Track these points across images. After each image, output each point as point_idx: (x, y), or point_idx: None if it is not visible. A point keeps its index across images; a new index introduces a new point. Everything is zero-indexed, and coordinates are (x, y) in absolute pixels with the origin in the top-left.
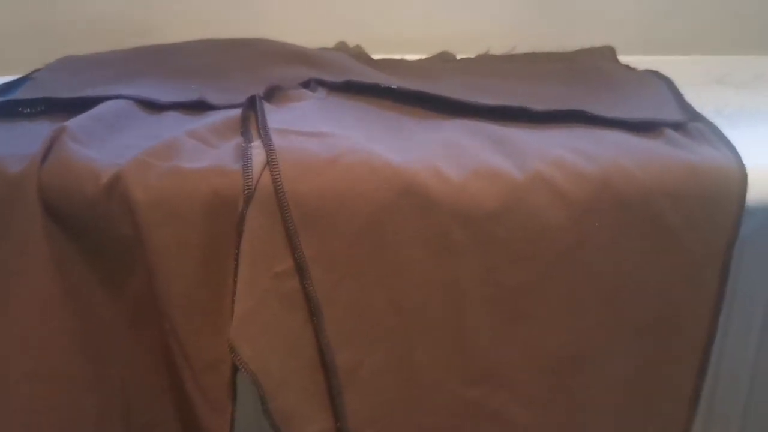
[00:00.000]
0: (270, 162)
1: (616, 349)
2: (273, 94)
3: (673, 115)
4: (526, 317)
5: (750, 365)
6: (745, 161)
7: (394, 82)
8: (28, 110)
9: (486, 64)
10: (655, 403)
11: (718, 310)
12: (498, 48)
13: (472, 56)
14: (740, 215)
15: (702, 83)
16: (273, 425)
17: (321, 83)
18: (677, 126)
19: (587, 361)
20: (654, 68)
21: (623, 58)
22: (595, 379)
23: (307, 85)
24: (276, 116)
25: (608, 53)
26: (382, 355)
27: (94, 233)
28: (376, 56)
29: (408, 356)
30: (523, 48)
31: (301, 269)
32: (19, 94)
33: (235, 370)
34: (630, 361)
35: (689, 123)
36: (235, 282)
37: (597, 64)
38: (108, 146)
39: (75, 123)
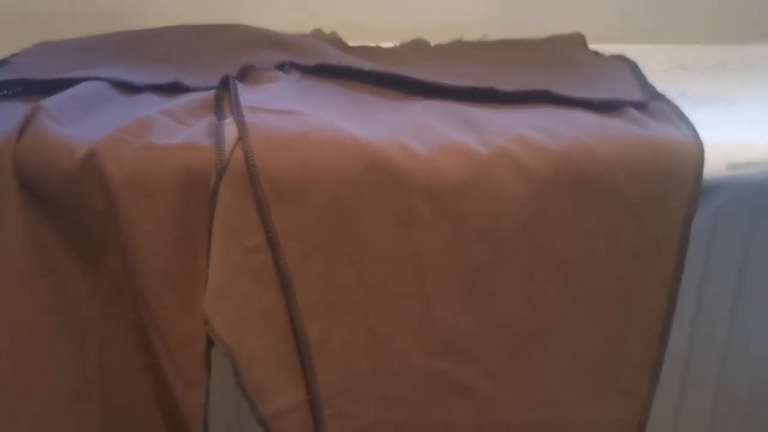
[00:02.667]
0: (242, 138)
1: (578, 322)
2: (247, 74)
3: (636, 95)
4: (488, 290)
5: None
6: (702, 138)
7: (366, 64)
8: (5, 92)
9: (458, 50)
10: (618, 374)
11: (677, 282)
12: (471, 36)
13: (446, 43)
14: (697, 189)
15: (667, 69)
16: (247, 397)
17: (295, 66)
18: (639, 105)
19: (550, 333)
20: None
21: (595, 47)
22: (558, 351)
23: (281, 68)
24: (249, 95)
25: (577, 40)
26: (350, 328)
27: (69, 209)
28: (351, 44)
29: (375, 328)
30: (495, 36)
31: (272, 243)
32: None
33: (209, 345)
34: (591, 333)
35: (651, 102)
36: (208, 256)
37: (565, 50)
38: (83, 125)
39: (51, 102)
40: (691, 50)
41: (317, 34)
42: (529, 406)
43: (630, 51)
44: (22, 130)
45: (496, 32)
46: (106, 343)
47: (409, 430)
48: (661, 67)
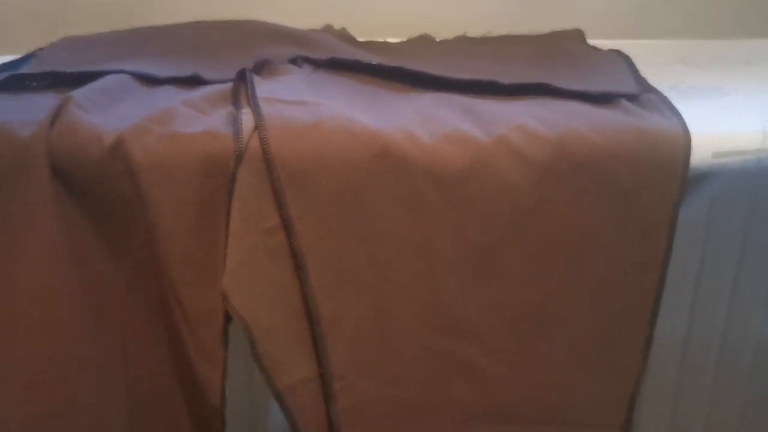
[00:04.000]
0: (258, 127)
1: (576, 303)
2: (262, 68)
3: (629, 87)
4: (491, 272)
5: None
6: (691, 128)
7: (375, 59)
8: (35, 84)
9: (462, 45)
10: (612, 353)
11: (666, 264)
12: (475, 32)
13: (450, 39)
14: (685, 176)
15: (664, 63)
16: (262, 370)
17: (307, 60)
18: (632, 97)
19: (551, 314)
20: (622, 50)
21: (594, 42)
22: (559, 332)
23: (294, 61)
24: (264, 87)
25: (576, 35)
26: (360, 307)
27: (97, 193)
28: (360, 39)
29: (384, 308)
30: (498, 32)
31: (287, 225)
32: (25, 70)
33: (227, 321)
34: (591, 314)
35: (643, 94)
36: (226, 237)
37: (564, 44)
38: (110, 114)
39: (80, 93)
40: (689, 45)
41: (328, 29)
42: (531, 385)
43: (629, 46)
44: (54, 120)
45: (499, 28)
46: (128, 319)
47: (415, 405)
48: (659, 61)
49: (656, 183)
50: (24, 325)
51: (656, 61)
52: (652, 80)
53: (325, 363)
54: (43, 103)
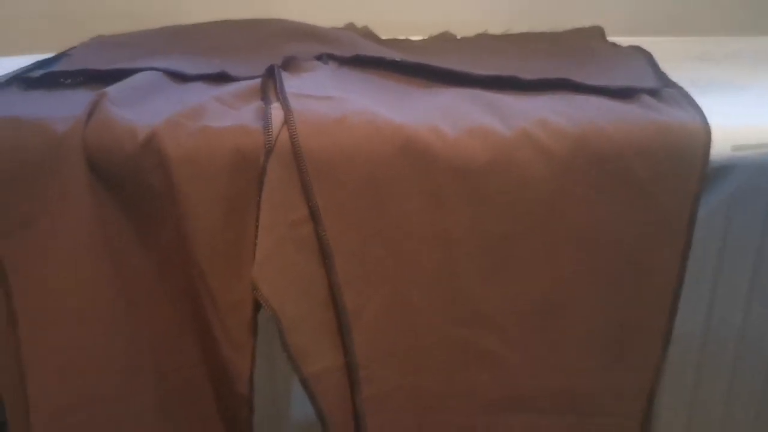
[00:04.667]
0: (287, 121)
1: (594, 294)
2: (289, 64)
3: (649, 82)
4: (511, 263)
5: (741, 311)
6: (710, 122)
7: (398, 55)
8: (69, 81)
9: (483, 42)
10: (630, 344)
11: (686, 256)
12: (495, 30)
13: (471, 36)
14: (705, 170)
15: (683, 59)
16: (290, 358)
17: (332, 57)
18: (652, 92)
19: (567, 305)
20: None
21: (614, 39)
22: (576, 322)
23: (319, 58)
24: (292, 83)
25: (597, 32)
26: (383, 298)
27: (130, 186)
28: (382, 37)
29: (405, 299)
30: (518, 30)
31: (314, 217)
32: (58, 68)
33: (255, 310)
34: (607, 305)
35: (663, 89)
36: (256, 229)
37: (585, 41)
38: (142, 110)
39: (113, 89)
40: (707, 42)
41: (350, 27)
42: (548, 373)
43: (649, 43)
44: (89, 115)
45: (519, 26)
46: (158, 310)
47: (436, 394)
48: (677, 57)
49: (676, 176)
50: (57, 315)
51: (675, 58)
52: (672, 76)
53: (349, 352)
54: (78, 100)
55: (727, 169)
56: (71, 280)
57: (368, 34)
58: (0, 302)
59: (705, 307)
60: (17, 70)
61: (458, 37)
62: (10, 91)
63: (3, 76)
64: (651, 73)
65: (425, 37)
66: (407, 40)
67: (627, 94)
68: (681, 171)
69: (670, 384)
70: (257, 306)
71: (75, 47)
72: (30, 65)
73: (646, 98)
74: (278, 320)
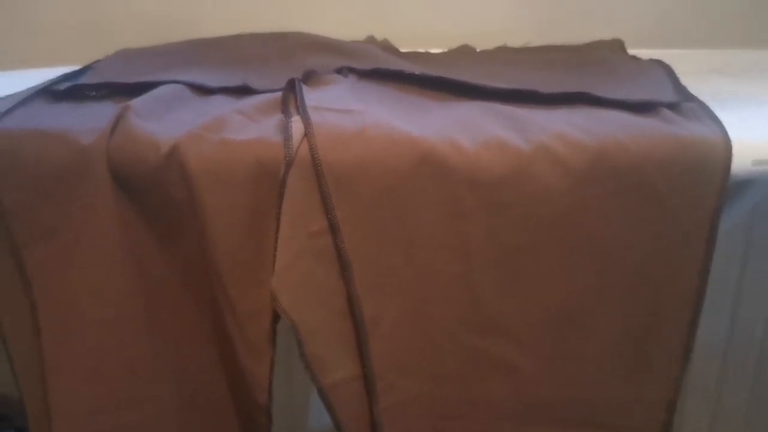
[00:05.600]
0: (307, 134)
1: (611, 306)
2: (309, 78)
3: (669, 96)
4: (528, 275)
5: (763, 323)
6: (731, 136)
7: (417, 69)
8: (94, 93)
9: (502, 55)
10: (649, 356)
11: (706, 270)
12: (514, 42)
13: (491, 49)
14: (725, 184)
15: (702, 72)
16: (308, 368)
17: (352, 70)
18: (672, 106)
19: (584, 316)
20: (662, 60)
21: (634, 51)
22: (592, 333)
23: (339, 71)
24: (312, 96)
25: (616, 45)
26: (401, 308)
27: (152, 196)
28: (402, 50)
29: (423, 309)
30: (538, 43)
31: (333, 228)
32: (84, 80)
33: (274, 319)
34: (624, 317)
35: (683, 103)
36: (276, 239)
37: (604, 54)
38: (165, 122)
39: (137, 102)
40: (726, 54)
41: (370, 40)
42: (565, 384)
43: (668, 55)
44: (114, 128)
45: (539, 39)
46: (179, 317)
47: (453, 404)
48: (696, 70)
49: (695, 190)
50: (83, 322)
51: (695, 71)
52: (692, 89)
53: (367, 362)
54: (103, 112)
55: (747, 183)
56: (94, 288)
57: (388, 47)
58: (23, 311)
59: (727, 320)
60: (44, 82)
61: (477, 50)
62: (37, 104)
63: (30, 88)
64: (671, 86)
65: (445, 50)
66: (427, 53)
67: (646, 108)
68: (701, 185)
69: (693, 395)
70: (276, 316)
71: (100, 60)
72: (56, 78)
73: (666, 112)
74: (297, 330)
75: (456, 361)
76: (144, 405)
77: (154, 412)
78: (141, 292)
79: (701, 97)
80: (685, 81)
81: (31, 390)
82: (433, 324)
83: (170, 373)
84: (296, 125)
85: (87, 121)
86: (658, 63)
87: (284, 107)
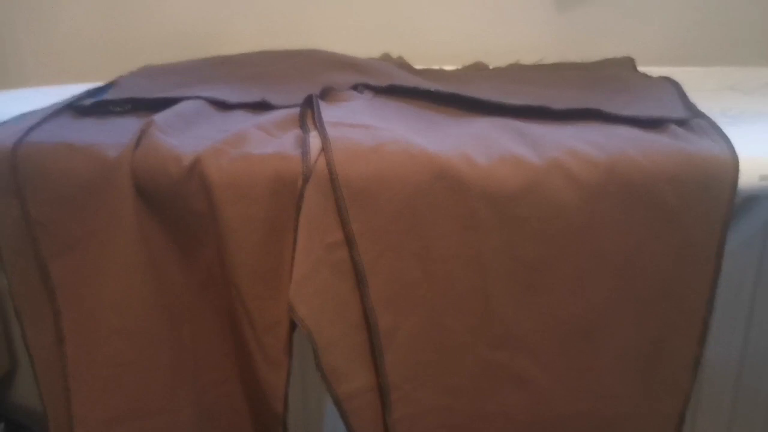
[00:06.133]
0: (325, 149)
1: (624, 319)
2: (326, 94)
3: (679, 113)
4: (542, 288)
5: None
6: (739, 152)
7: (432, 85)
8: (118, 109)
9: (515, 72)
10: (661, 369)
11: (715, 284)
12: (527, 60)
13: (504, 66)
14: (732, 198)
15: (714, 90)
16: (324, 379)
17: (368, 87)
18: (681, 122)
19: (598, 329)
20: (673, 78)
21: (644, 69)
22: (606, 346)
23: (355, 88)
24: (329, 112)
25: (627, 63)
26: (416, 320)
27: (174, 209)
28: (417, 67)
29: (439, 321)
30: (549, 60)
31: (349, 241)
32: (108, 96)
33: (291, 330)
34: (637, 331)
35: (692, 120)
36: (293, 251)
37: (615, 72)
38: (187, 136)
39: (160, 117)
40: (738, 72)
41: (385, 57)
42: (579, 397)
43: (680, 73)
44: (138, 142)
45: (551, 56)
46: (198, 328)
47: (468, 416)
48: (708, 87)
49: (704, 205)
50: (105, 331)
51: (705, 88)
52: (702, 106)
53: (382, 373)
54: (126, 127)
55: (756, 198)
56: (116, 298)
57: (403, 64)
58: (47, 321)
59: (740, 336)
60: (69, 98)
61: (491, 67)
62: (63, 118)
63: (56, 104)
64: (680, 103)
65: (458, 67)
66: (441, 70)
67: (656, 124)
68: (709, 200)
69: (706, 411)
70: (293, 326)
71: (123, 76)
72: (81, 93)
73: (675, 128)
74: (313, 341)
75: (470, 373)
76: (162, 414)
77: (171, 422)
78: (161, 302)
79: (711, 114)
80: (696, 98)
81: (53, 399)
82: (448, 336)
83: (188, 383)
84: (314, 140)
85: (112, 136)
86: (668, 80)
87: (302, 122)
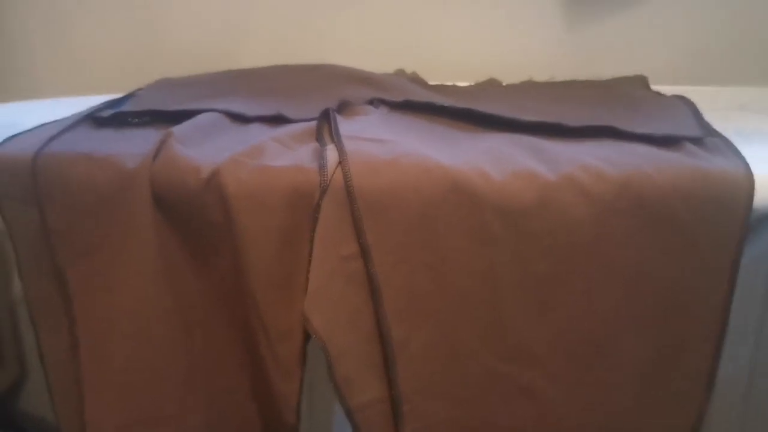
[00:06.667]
0: (341, 162)
1: (635, 334)
2: (343, 108)
3: (693, 131)
4: (554, 302)
5: None
6: (754, 170)
7: (446, 101)
8: (137, 120)
9: (528, 89)
10: (673, 385)
11: (729, 301)
12: (540, 77)
13: (517, 83)
14: (748, 216)
15: (727, 109)
16: (336, 389)
17: (383, 102)
18: (695, 140)
19: (609, 343)
20: (686, 96)
21: (658, 87)
22: (617, 361)
23: (371, 103)
24: (346, 125)
25: (640, 81)
26: (429, 331)
27: (192, 219)
28: (431, 82)
29: (451, 333)
30: (562, 77)
31: (364, 253)
32: (126, 108)
33: (305, 340)
34: (648, 346)
35: (706, 138)
36: (309, 262)
37: (628, 89)
38: (205, 148)
39: (178, 129)
40: (752, 92)
41: (400, 73)
42: (589, 410)
43: (694, 92)
44: (156, 153)
45: (564, 74)
46: (212, 337)
47: (479, 428)
48: (722, 106)
49: (719, 222)
50: (119, 338)
51: (719, 107)
52: (716, 125)
53: (394, 385)
54: (145, 138)
55: None
56: (132, 306)
57: (417, 80)
58: (62, 328)
59: (750, 351)
60: (89, 109)
61: (504, 84)
62: (83, 129)
63: (76, 114)
64: (694, 121)
65: (472, 83)
66: (454, 86)
67: (670, 141)
68: (724, 217)
69: (717, 425)
70: (307, 336)
71: (142, 88)
72: (100, 104)
73: (690, 146)
74: (326, 351)
75: (481, 385)
76: (174, 422)
77: (183, 429)
78: (176, 311)
79: (725, 133)
80: (710, 117)
81: (65, 406)
82: (460, 348)
83: (201, 391)
84: (331, 153)
85: (130, 147)
86: (681, 99)
87: (319, 136)
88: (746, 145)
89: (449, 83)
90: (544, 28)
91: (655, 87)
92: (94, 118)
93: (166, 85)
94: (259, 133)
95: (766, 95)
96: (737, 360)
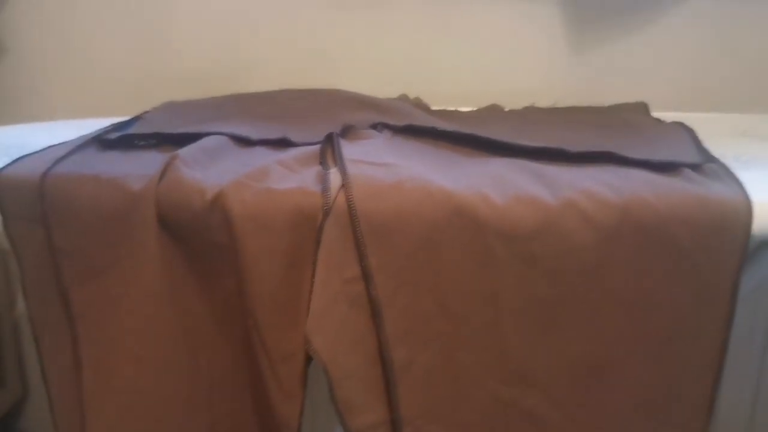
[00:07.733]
0: (345, 185)
1: (636, 359)
2: (347, 132)
3: (692, 157)
4: (555, 326)
5: None
6: (752, 196)
7: (449, 126)
8: (143, 143)
9: (530, 114)
10: (673, 411)
11: (729, 327)
12: (542, 103)
13: (519, 108)
14: (747, 242)
15: (727, 135)
16: (337, 411)
17: (386, 126)
18: (695, 167)
19: (610, 368)
20: (686, 123)
21: (658, 114)
22: (619, 385)
23: (374, 127)
24: (349, 149)
25: (641, 108)
26: (431, 355)
27: (196, 241)
28: (433, 108)
29: (453, 357)
30: (564, 104)
31: (366, 276)
32: (133, 130)
33: (307, 362)
34: (649, 371)
35: (705, 164)
36: (312, 284)
37: (628, 116)
38: (210, 171)
39: (184, 152)
40: (751, 119)
41: (403, 98)
42: None
43: (693, 119)
44: (162, 175)
45: (566, 100)
46: (215, 358)
47: None
48: (722, 133)
49: (718, 248)
50: (123, 358)
51: (719, 133)
52: (715, 151)
53: (395, 407)
54: (151, 160)
55: None
56: (135, 327)
57: (420, 105)
58: (64, 349)
59: (753, 379)
60: (96, 131)
61: (506, 109)
62: (90, 151)
63: (83, 136)
64: (693, 148)
65: (474, 109)
66: (457, 111)
67: (670, 167)
68: (723, 243)
69: None
70: (309, 358)
71: (148, 111)
72: (107, 127)
73: (689, 172)
74: (328, 373)
75: (482, 409)
76: None
77: None
78: (180, 332)
79: (725, 159)
80: (710, 143)
81: (67, 426)
82: (461, 372)
83: (203, 412)
84: (334, 176)
85: (137, 168)
86: (681, 125)
87: (322, 159)
88: (746, 171)
89: (451, 108)
90: (547, 56)
91: (655, 114)
92: (101, 140)
93: (172, 108)
94: (263, 156)
95: (765, 122)
96: (740, 388)
